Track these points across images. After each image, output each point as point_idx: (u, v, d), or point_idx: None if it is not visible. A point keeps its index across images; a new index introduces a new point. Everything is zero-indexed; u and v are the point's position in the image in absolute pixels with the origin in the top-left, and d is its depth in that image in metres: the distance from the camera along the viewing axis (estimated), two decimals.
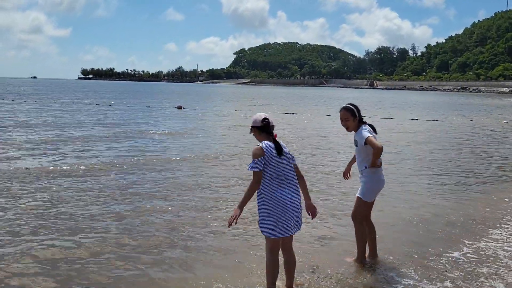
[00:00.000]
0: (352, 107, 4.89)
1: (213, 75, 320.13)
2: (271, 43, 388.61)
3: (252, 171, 3.91)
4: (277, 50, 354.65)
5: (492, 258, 5.26)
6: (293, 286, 4.30)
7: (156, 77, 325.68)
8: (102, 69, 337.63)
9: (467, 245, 5.71)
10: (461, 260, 5.21)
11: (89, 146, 13.11)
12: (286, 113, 30.05)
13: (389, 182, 7.13)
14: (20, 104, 31.65)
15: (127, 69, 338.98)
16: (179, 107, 33.10)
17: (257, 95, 74.66)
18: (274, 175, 3.93)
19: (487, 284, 4.58)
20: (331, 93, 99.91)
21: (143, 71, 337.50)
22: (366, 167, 4.82)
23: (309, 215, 4.19)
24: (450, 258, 5.25)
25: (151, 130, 17.81)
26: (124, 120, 22.02)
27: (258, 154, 3.91)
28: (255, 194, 3.99)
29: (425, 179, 9.82)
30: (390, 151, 13.16)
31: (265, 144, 3.97)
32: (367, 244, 5.10)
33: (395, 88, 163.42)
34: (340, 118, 4.93)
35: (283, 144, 4.08)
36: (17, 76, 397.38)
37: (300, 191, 4.12)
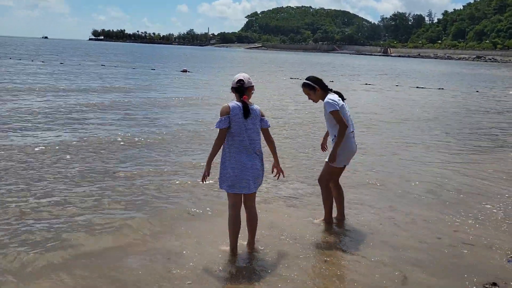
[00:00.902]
0: (309, 81, 4.96)
1: (225, 39, 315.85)
2: (284, 6, 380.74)
3: (218, 129, 4.05)
4: (290, 14, 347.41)
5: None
6: (254, 242, 4.49)
7: (167, 39, 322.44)
8: (113, 30, 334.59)
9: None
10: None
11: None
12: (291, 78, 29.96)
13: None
14: (28, 65, 31.74)
15: (138, 31, 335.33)
16: (184, 71, 33.02)
17: (266, 60, 73.86)
18: (237, 135, 4.06)
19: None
20: (342, 59, 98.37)
21: (153, 33, 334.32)
22: (335, 136, 4.89)
23: (275, 176, 4.38)
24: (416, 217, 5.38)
25: (158, 98, 17.90)
26: (130, 85, 22.10)
27: (224, 112, 4.04)
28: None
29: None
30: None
31: (233, 103, 4.10)
32: (335, 206, 5.30)
33: (408, 56, 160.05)
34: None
35: (255, 107, 4.19)
36: (28, 36, 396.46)
37: (263, 156, 4.26)
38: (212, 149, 4.13)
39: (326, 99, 4.86)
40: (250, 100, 4.21)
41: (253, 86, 4.26)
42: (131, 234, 4.75)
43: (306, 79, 5.01)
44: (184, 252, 4.36)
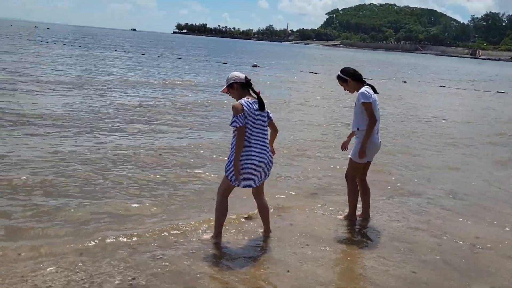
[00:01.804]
0: (341, 73, 5.01)
1: (303, 35, 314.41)
2: (367, 4, 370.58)
3: (235, 127, 4.09)
4: (372, 12, 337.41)
5: None
6: (269, 230, 4.63)
7: (246, 34, 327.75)
8: (195, 24, 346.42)
9: None
10: None
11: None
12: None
13: None
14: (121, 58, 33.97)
15: (219, 26, 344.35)
16: (254, 65, 33.56)
17: (342, 59, 72.65)
18: (250, 130, 4.12)
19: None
20: (424, 61, 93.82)
21: (233, 28, 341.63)
22: (358, 129, 4.92)
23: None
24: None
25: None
26: (198, 80, 22.96)
27: (239, 110, 4.06)
28: (231, 141, 4.28)
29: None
30: None
31: (244, 101, 4.14)
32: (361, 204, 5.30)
33: (499, 59, 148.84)
34: None
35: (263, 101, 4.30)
36: (118, 28, 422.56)
37: (269, 148, 4.36)
38: (236, 149, 4.09)
39: (361, 90, 4.86)
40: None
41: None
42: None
43: (340, 71, 5.06)
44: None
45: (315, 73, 31.40)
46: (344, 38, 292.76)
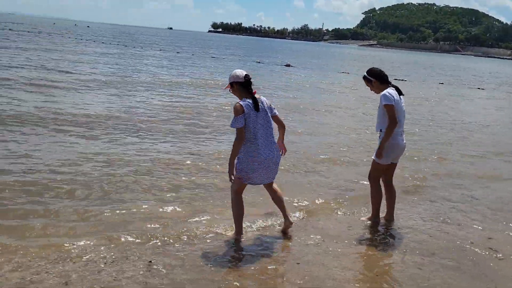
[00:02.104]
0: (366, 73, 5.02)
1: (338, 35, 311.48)
2: (405, 3, 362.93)
3: (235, 128, 4.13)
4: (410, 12, 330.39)
5: None
6: (288, 215, 4.63)
7: (281, 34, 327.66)
8: (230, 23, 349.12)
9: None
10: None
11: None
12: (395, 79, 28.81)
13: None
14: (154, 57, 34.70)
15: (254, 25, 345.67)
16: (287, 65, 33.57)
17: (373, 59, 71.47)
18: (253, 129, 4.17)
19: None
20: (463, 62, 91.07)
21: (268, 27, 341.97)
22: (381, 130, 4.92)
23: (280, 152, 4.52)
24: None
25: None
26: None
27: (240, 111, 4.10)
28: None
29: None
30: None
31: (244, 102, 4.16)
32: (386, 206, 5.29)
33: None
34: None
35: (263, 99, 4.32)
36: (154, 27, 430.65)
37: (276, 144, 4.40)
38: (233, 149, 4.14)
39: (384, 92, 4.84)
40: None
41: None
42: None
43: (366, 72, 5.07)
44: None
45: (347, 73, 31.07)
46: (381, 38, 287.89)
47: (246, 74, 4.26)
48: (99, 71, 18.33)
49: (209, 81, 18.83)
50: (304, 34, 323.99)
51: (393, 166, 5.14)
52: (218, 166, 6.86)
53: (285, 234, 4.69)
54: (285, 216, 4.62)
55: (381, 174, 5.10)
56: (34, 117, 9.03)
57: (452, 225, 5.39)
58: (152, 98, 13.02)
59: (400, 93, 4.93)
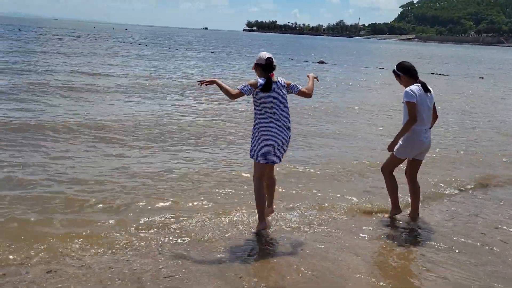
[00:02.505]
0: (396, 67, 5.03)
1: (375, 30, 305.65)
2: None
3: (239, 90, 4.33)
4: (450, 3, 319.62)
5: None
6: (272, 206, 4.83)
7: (316, 30, 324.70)
8: (265, 21, 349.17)
9: None
10: None
11: None
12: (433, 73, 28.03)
13: None
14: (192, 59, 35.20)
15: (288, 22, 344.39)
16: (321, 62, 33.28)
17: (411, 53, 69.64)
18: (263, 110, 4.40)
19: None
20: (507, 55, 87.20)
21: (303, 24, 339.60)
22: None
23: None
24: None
25: None
26: None
27: (251, 83, 4.37)
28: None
29: None
30: None
31: (260, 80, 4.41)
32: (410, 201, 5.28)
33: None
34: None
35: (280, 80, 4.49)
36: (190, 27, 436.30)
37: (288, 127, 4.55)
38: (227, 91, 4.28)
39: (407, 88, 4.84)
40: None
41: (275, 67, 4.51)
42: None
43: (396, 66, 5.07)
44: None
45: (383, 68, 30.43)
46: (419, 31, 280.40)
47: (268, 57, 4.43)
48: (136, 73, 18.75)
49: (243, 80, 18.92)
50: (340, 30, 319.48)
51: (416, 162, 5.09)
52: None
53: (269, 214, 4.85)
54: (270, 202, 4.78)
55: (394, 167, 5.14)
56: (73, 125, 8.81)
57: (480, 224, 5.22)
58: (190, 103, 12.47)
59: (426, 89, 4.87)
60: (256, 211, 4.66)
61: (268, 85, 4.37)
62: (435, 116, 5.06)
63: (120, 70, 19.08)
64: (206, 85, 4.32)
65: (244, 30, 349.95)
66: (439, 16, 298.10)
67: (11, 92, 11.86)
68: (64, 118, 9.40)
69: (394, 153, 4.99)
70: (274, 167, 4.79)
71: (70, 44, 35.77)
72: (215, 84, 4.23)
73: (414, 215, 5.22)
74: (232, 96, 4.29)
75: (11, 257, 3.86)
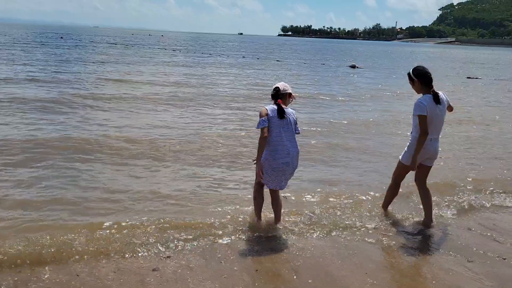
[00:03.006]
0: (412, 72, 4.88)
1: (413, 33, 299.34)
2: None
3: (259, 129, 4.51)
4: (492, 5, 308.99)
5: None
6: (278, 224, 4.89)
7: (352, 34, 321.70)
8: (300, 26, 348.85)
9: None
10: None
11: None
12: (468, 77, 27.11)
13: None
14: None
15: (323, 26, 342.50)
16: (353, 66, 32.81)
17: (452, 58, 67.57)
18: (275, 134, 4.50)
19: None
20: None
21: (339, 28, 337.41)
22: (411, 133, 4.97)
23: None
24: None
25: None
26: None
27: (264, 114, 4.52)
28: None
29: None
30: None
31: (270, 106, 4.59)
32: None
33: None
34: None
35: (290, 111, 4.66)
36: (226, 33, 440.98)
37: (298, 154, 4.68)
38: (259, 147, 4.50)
39: (418, 100, 4.75)
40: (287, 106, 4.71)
41: (290, 93, 4.68)
42: None
43: (412, 69, 4.90)
44: None
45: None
46: (459, 34, 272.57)
47: (276, 87, 4.68)
48: (169, 80, 18.99)
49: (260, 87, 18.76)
50: (376, 34, 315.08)
51: (425, 168, 5.06)
52: None
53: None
54: (277, 220, 4.89)
55: (402, 174, 5.15)
56: (111, 142, 8.15)
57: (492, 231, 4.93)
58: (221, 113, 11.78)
59: (437, 101, 4.75)
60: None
61: (281, 111, 4.52)
62: (450, 109, 5.04)
63: (151, 78, 19.24)
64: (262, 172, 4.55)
65: (279, 35, 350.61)
66: (481, 18, 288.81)
67: (47, 104, 11.36)
68: (102, 132, 8.83)
69: (400, 159, 5.04)
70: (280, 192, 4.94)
71: (105, 51, 36.78)
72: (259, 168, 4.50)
73: (427, 220, 5.11)
74: (264, 140, 4.44)
75: None
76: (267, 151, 4.50)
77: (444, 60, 53.57)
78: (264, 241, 4.56)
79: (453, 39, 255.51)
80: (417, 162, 4.87)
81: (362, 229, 4.92)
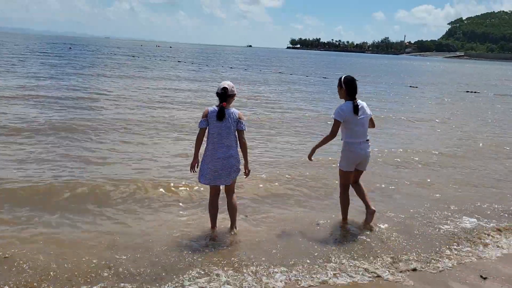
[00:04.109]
0: (342, 79, 5.26)
1: (422, 47, 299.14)
2: (496, 11, 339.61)
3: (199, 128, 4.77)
4: (502, 20, 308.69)
5: None
6: (234, 228, 5.01)
7: (360, 48, 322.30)
8: (309, 39, 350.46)
9: None
10: None
11: None
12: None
13: None
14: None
15: (332, 40, 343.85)
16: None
17: (464, 73, 67.32)
18: (212, 135, 4.70)
19: None
20: None
21: (347, 42, 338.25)
22: (341, 139, 5.34)
23: (244, 175, 5.01)
24: None
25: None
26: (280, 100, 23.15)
27: (203, 115, 4.76)
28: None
29: None
30: None
31: (212, 108, 4.74)
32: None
33: None
34: None
35: (233, 110, 4.75)
36: (235, 45, 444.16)
37: (238, 152, 4.83)
38: (195, 144, 4.80)
39: (339, 106, 5.21)
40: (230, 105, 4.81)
41: (235, 94, 4.79)
42: None
43: (343, 77, 5.28)
44: None
45: (416, 87, 29.50)
46: (468, 49, 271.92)
47: (224, 87, 4.70)
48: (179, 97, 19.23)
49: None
50: (385, 47, 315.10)
51: (358, 173, 5.45)
52: None
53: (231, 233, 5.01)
54: (232, 225, 5.02)
55: (345, 181, 5.39)
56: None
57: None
58: None
59: (356, 112, 5.14)
60: None
61: (221, 113, 4.65)
62: (372, 126, 5.43)
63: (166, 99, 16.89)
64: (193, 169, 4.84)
65: (288, 47, 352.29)
66: (490, 33, 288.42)
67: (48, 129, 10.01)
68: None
69: (339, 167, 5.40)
70: (234, 189, 5.05)
71: (109, 64, 37.30)
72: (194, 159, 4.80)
73: (370, 210, 5.42)
74: (199, 139, 4.74)
75: None
76: (207, 150, 4.72)
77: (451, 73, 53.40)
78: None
79: (462, 53, 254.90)
80: (353, 168, 5.30)
81: None
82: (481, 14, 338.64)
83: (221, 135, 4.68)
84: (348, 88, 5.18)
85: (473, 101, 23.25)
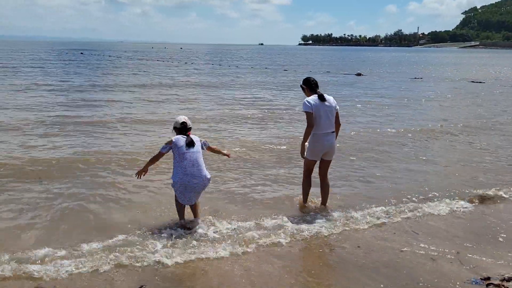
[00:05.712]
0: (304, 80, 5.83)
1: (436, 38, 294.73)
2: None
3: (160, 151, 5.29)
4: None
5: None
6: (199, 222, 5.43)
7: (373, 41, 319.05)
8: (320, 35, 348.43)
9: None
10: None
11: None
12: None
13: None
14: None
15: (344, 34, 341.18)
16: (359, 74, 33.02)
17: (475, 63, 66.22)
18: (182, 160, 5.13)
19: None
20: None
21: (360, 36, 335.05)
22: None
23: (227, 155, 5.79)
24: None
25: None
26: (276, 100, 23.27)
27: (168, 142, 5.26)
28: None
29: None
30: None
31: (176, 137, 5.26)
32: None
33: None
34: None
35: (194, 137, 5.30)
36: (247, 43, 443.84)
37: (205, 173, 5.26)
38: (151, 159, 5.40)
39: (304, 100, 5.64)
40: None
41: (191, 127, 5.39)
42: None
43: (302, 81, 5.87)
44: None
45: (421, 78, 29.32)
46: (484, 38, 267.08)
47: (183, 121, 5.32)
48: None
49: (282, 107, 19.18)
50: (398, 40, 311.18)
51: (325, 162, 5.87)
52: None
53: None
54: (196, 219, 5.44)
55: (309, 168, 5.87)
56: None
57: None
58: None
59: (322, 99, 5.58)
60: None
61: (191, 143, 5.18)
62: (337, 125, 5.75)
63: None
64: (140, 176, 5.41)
65: (300, 44, 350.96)
66: (506, 21, 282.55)
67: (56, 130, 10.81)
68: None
69: (305, 156, 5.75)
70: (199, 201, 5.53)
71: (114, 73, 37.83)
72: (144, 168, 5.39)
73: (323, 205, 5.99)
74: (156, 158, 5.33)
75: None
76: (180, 174, 5.10)
77: (478, 66, 52.64)
78: None
79: (477, 43, 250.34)
80: (318, 157, 5.73)
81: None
82: (496, 2, 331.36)
83: (192, 160, 5.11)
84: (308, 85, 5.77)
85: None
